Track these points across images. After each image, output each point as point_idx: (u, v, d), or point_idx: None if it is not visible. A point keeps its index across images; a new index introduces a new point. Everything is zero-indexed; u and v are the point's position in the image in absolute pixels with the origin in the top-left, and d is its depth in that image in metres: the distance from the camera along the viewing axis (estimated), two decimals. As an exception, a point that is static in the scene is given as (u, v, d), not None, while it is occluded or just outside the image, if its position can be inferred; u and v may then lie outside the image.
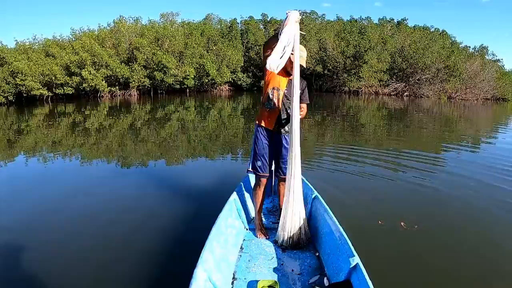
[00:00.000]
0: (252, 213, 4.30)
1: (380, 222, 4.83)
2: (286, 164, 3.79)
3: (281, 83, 3.67)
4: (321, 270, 3.28)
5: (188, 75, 27.37)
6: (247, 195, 4.47)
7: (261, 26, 42.25)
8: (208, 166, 7.88)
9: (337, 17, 45.45)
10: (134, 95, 26.63)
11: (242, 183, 4.55)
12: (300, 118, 3.51)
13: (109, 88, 24.82)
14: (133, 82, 25.72)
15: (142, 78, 25.95)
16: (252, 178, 4.52)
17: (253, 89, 36.23)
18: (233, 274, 3.19)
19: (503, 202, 5.95)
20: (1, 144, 10.20)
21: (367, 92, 37.54)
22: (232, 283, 3.08)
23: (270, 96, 3.64)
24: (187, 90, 29.20)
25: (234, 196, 4.13)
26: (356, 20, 44.28)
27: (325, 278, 3.10)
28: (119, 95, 25.96)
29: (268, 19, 42.91)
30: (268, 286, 2.94)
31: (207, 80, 29.96)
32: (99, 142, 10.27)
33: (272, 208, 4.71)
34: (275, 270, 3.29)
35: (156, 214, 4.94)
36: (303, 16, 40.15)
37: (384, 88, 38.75)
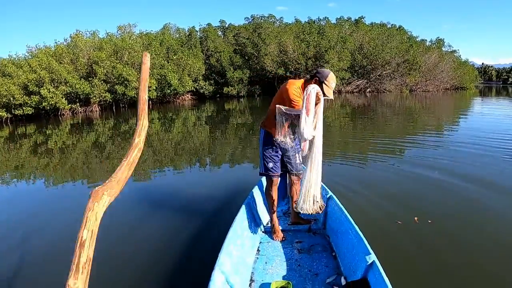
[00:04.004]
0: (267, 216, 4.46)
1: (398, 222, 4.97)
2: (295, 159, 4.11)
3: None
4: (338, 269, 3.42)
5: (150, 87, 27.61)
6: (261, 199, 4.65)
7: (220, 33, 43.57)
8: (207, 175, 8.15)
9: (295, 19, 46.88)
10: (96, 110, 26.83)
11: (256, 187, 4.75)
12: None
13: (69, 105, 24.89)
14: (94, 98, 25.91)
15: (103, 93, 26.18)
16: (264, 181, 4.65)
17: (216, 96, 36.99)
18: (251, 276, 3.35)
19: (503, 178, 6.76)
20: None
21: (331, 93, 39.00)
22: (250, 285, 3.23)
23: (287, 114, 3.62)
24: (150, 102, 29.46)
25: (249, 199, 4.31)
26: (314, 21, 46.00)
27: (342, 277, 3.23)
28: (81, 112, 26.11)
29: (227, 26, 43.99)
30: (281, 287, 3.07)
31: (169, 91, 30.62)
32: (66, 162, 10.22)
33: (287, 210, 4.85)
34: (292, 271, 3.43)
35: (168, 225, 5.07)
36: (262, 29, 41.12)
37: (347, 86, 40.46)
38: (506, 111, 23.88)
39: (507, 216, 5.18)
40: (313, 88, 3.40)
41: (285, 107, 3.61)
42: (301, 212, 3.72)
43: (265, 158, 4.10)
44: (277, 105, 3.64)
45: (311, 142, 3.50)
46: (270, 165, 4.08)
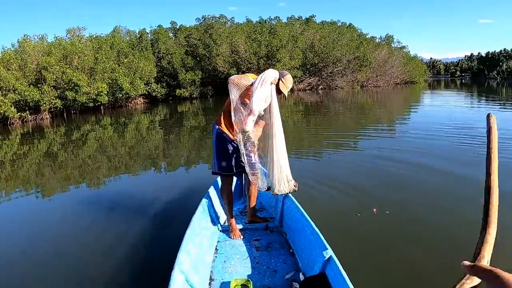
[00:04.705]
0: (224, 215, 4.50)
1: (357, 214, 5.15)
2: (250, 158, 4.03)
3: None
4: (296, 265, 3.52)
5: (101, 92, 27.79)
6: (218, 198, 4.70)
7: (171, 35, 43.72)
8: (164, 177, 8.40)
9: (246, 19, 47.53)
10: (47, 118, 26.57)
11: (212, 186, 4.80)
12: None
13: (19, 113, 24.49)
14: (44, 105, 25.65)
15: (53, 99, 25.89)
16: (219, 180, 4.70)
17: (169, 99, 37.13)
18: (210, 275, 3.40)
19: (458, 169, 7.23)
20: None
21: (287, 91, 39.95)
22: (210, 283, 3.27)
23: (236, 103, 3.74)
24: (102, 107, 29.48)
25: (205, 199, 4.35)
26: (265, 21, 46.80)
27: (300, 273, 3.32)
28: (31, 120, 25.78)
29: (178, 27, 44.20)
30: (241, 285, 3.11)
31: (121, 95, 30.53)
32: (18, 173, 9.75)
33: (244, 209, 4.91)
34: (251, 268, 3.50)
35: (126, 230, 5.10)
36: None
37: (299, 84, 41.51)
38: (454, 102, 25.81)
39: (460, 204, 5.50)
40: (272, 71, 3.75)
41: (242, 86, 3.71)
42: (279, 194, 3.97)
43: (218, 157, 4.11)
44: (232, 77, 3.76)
45: (272, 123, 3.74)
46: (224, 163, 4.10)
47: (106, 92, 28.43)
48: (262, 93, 3.60)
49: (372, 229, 4.76)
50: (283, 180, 3.91)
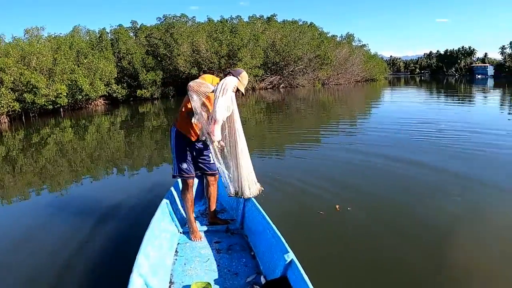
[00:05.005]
0: (185, 217, 4.44)
1: (320, 213, 5.22)
2: (209, 159, 4.20)
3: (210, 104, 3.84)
4: (257, 268, 3.52)
5: (60, 93, 27.36)
6: (178, 199, 4.68)
7: (132, 34, 43.20)
8: (125, 180, 8.36)
9: (207, 18, 47.60)
10: (5, 122, 26.02)
11: (172, 188, 4.81)
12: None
13: (-25, 118, 24.08)
14: (2, 108, 25.19)
15: (11, 102, 25.42)
16: (180, 182, 4.73)
17: (130, 100, 36.61)
18: (170, 278, 3.37)
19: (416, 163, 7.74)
20: None
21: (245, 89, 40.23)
22: (170, 287, 3.25)
23: (198, 110, 3.75)
24: (61, 109, 29.10)
25: (165, 201, 4.35)
26: (226, 20, 46.98)
27: (261, 276, 3.32)
28: (-13, 125, 25.27)
29: (138, 26, 43.96)
30: None
31: (81, 96, 30.05)
32: None
33: (204, 211, 4.93)
34: (212, 271, 3.48)
35: (86, 233, 5.09)
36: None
37: (260, 82, 42.09)
38: (413, 98, 27.18)
39: (422, 197, 5.82)
40: (233, 78, 3.79)
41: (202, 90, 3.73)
42: (249, 196, 4.06)
43: (178, 159, 4.08)
44: (191, 84, 3.75)
45: (233, 128, 3.81)
46: (184, 166, 4.07)
47: (65, 94, 27.91)
48: (224, 101, 3.61)
49: (334, 227, 4.88)
50: (252, 183, 4.05)
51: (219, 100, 3.57)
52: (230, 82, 3.71)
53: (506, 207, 5.47)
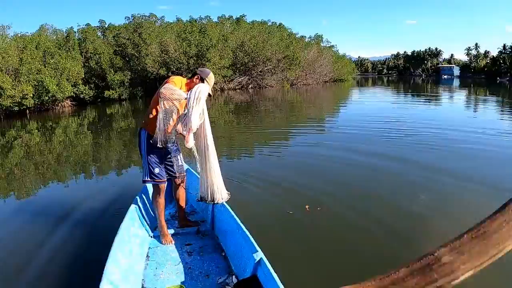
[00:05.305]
0: (155, 221, 4.38)
1: (290, 212, 5.30)
2: (177, 161, 4.24)
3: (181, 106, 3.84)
4: (228, 269, 3.56)
5: (27, 94, 26.81)
6: (147, 203, 4.66)
7: (99, 34, 42.65)
8: (93, 183, 8.20)
9: (176, 18, 47.54)
10: (-31, 124, 25.56)
11: (141, 192, 4.74)
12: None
13: None
14: (-34, 110, 24.73)
15: (-25, 104, 24.99)
16: (149, 186, 4.64)
17: (97, 101, 35.99)
18: (142, 283, 3.33)
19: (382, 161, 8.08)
20: None
21: (212, 89, 40.28)
22: None
23: (169, 116, 3.74)
24: (27, 111, 28.47)
25: (134, 205, 4.27)
26: (196, 20, 47.02)
27: (233, 276, 3.36)
28: (-49, 127, 24.74)
29: (106, 26, 43.47)
30: None
31: (47, 98, 29.50)
32: None
33: (175, 213, 4.87)
34: (184, 274, 3.49)
35: (52, 240, 4.96)
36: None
37: (229, 83, 42.48)
38: (380, 97, 28.31)
39: (389, 194, 6.04)
40: (205, 86, 3.76)
41: (173, 96, 3.67)
42: (219, 202, 4.02)
43: (151, 163, 3.98)
44: (163, 92, 3.66)
45: (204, 134, 3.80)
46: (157, 170, 4.00)
47: (31, 95, 27.38)
48: (198, 110, 3.60)
49: (304, 227, 4.94)
50: (222, 189, 4.02)
51: (194, 109, 3.57)
52: (204, 90, 3.69)
53: (469, 197, 5.94)
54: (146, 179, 4.04)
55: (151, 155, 3.97)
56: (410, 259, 1.01)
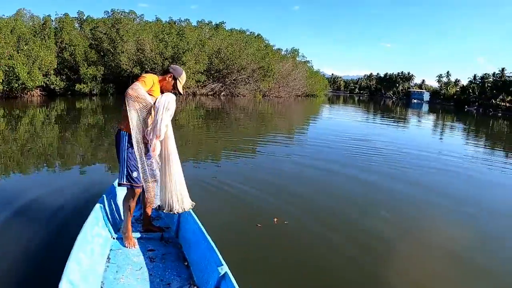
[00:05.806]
0: (119, 222, 4.33)
1: (258, 225, 5.21)
2: (151, 165, 4.01)
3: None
4: (190, 279, 3.47)
5: None
6: (113, 203, 4.56)
7: (77, 25, 42.25)
8: (57, 178, 7.86)
9: (156, 18, 47.80)
10: None
11: (107, 192, 4.62)
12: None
13: None
14: None
15: None
16: (118, 188, 4.58)
17: (67, 93, 35.24)
18: (101, 286, 3.25)
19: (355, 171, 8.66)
20: None
21: (184, 93, 40.31)
22: None
23: (135, 119, 3.67)
24: None
25: (99, 205, 4.15)
26: (175, 22, 47.51)
27: (194, 287, 3.31)
28: None
29: (85, 18, 43.23)
30: None
31: (17, 85, 28.91)
32: None
33: (140, 217, 4.72)
34: (144, 280, 3.39)
35: (10, 235, 4.76)
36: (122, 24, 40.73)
37: (202, 88, 42.99)
38: (350, 116, 29.36)
39: (357, 209, 6.25)
40: (172, 96, 3.72)
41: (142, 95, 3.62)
42: (179, 212, 3.95)
43: (130, 166, 3.87)
44: (130, 94, 3.58)
45: (166, 143, 3.76)
46: (135, 174, 3.88)
47: (1, 81, 26.91)
48: (166, 118, 3.60)
49: (271, 240, 4.92)
50: (185, 197, 3.97)
51: (163, 117, 3.57)
52: (173, 101, 3.68)
53: (431, 219, 6.31)
54: (123, 182, 3.92)
55: (131, 159, 3.84)
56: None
